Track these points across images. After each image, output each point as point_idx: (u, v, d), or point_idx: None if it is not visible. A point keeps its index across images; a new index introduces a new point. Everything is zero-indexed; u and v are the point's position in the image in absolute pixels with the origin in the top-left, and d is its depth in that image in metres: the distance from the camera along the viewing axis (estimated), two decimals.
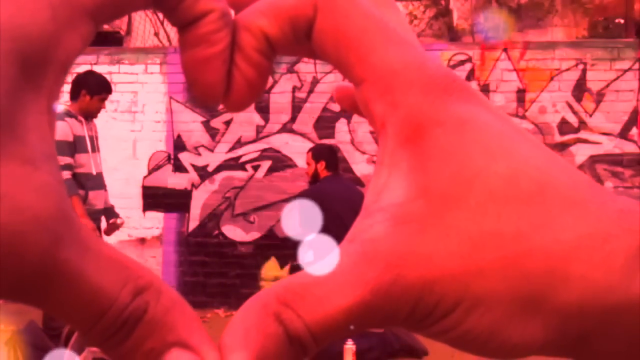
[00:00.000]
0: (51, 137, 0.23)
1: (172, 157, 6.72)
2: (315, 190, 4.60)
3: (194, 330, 0.24)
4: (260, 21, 0.27)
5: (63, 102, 4.62)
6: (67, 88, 4.67)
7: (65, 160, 4.33)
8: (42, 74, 0.23)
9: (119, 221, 4.82)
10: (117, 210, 4.95)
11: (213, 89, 0.27)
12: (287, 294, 0.24)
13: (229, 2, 0.27)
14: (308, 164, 4.81)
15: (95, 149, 4.60)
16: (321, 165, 4.69)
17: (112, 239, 5.74)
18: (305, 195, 4.55)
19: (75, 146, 4.43)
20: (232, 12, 0.27)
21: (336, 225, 4.21)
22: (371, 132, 6.36)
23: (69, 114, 4.44)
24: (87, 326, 0.23)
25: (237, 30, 0.27)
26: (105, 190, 4.74)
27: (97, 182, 4.57)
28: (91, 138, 4.56)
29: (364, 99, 0.27)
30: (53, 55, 0.23)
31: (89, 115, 4.55)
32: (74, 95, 4.52)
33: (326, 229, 4.21)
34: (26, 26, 0.22)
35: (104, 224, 4.79)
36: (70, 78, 4.65)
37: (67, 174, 4.32)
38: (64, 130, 4.36)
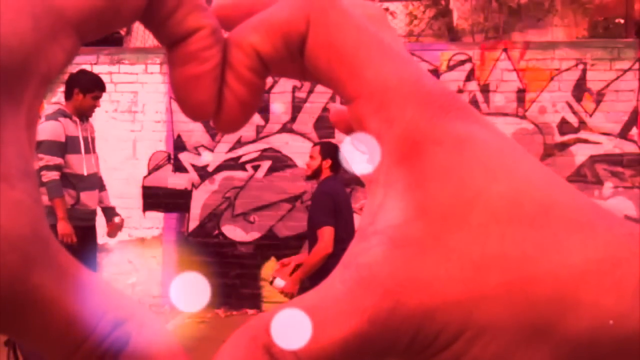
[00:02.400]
0: (30, 153, 0.22)
1: (172, 157, 6.72)
2: (332, 188, 4.55)
3: None
4: (251, 38, 0.26)
5: (58, 102, 4.62)
6: (62, 89, 4.67)
7: (55, 160, 4.33)
8: (21, 87, 0.21)
9: (117, 220, 4.79)
10: (117, 210, 4.94)
11: (203, 108, 0.26)
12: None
13: (220, 21, 0.27)
14: (312, 157, 4.71)
15: (89, 149, 4.58)
16: (327, 163, 4.63)
17: (112, 239, 5.74)
18: (326, 192, 4.49)
19: (66, 146, 4.42)
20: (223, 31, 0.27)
21: (346, 228, 4.23)
22: None
23: (63, 113, 4.44)
24: (62, 357, 0.21)
25: (228, 48, 0.26)
26: (103, 190, 4.73)
27: (89, 182, 4.55)
28: (85, 139, 4.54)
29: (358, 115, 0.26)
30: (34, 67, 0.22)
31: (83, 114, 4.54)
32: (68, 94, 4.52)
33: (337, 229, 4.22)
34: (5, 36, 0.21)
35: (100, 224, 4.78)
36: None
37: (55, 175, 4.31)
38: (56, 130, 4.36)
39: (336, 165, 4.64)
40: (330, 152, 4.70)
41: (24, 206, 0.20)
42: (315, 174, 4.69)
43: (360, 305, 0.23)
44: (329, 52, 0.25)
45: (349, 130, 0.29)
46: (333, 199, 4.35)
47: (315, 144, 4.93)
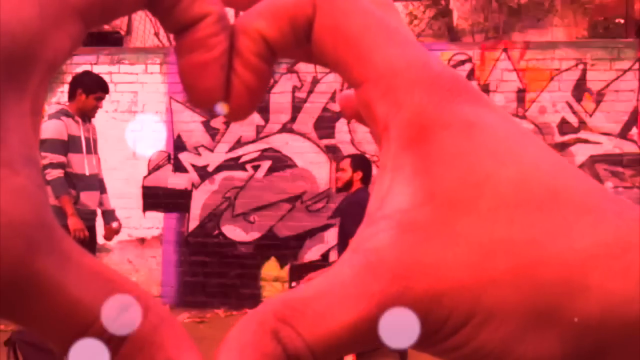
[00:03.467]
0: (34, 140, 0.22)
1: (172, 157, 6.72)
2: (365, 200, 4.53)
3: (184, 348, 0.22)
4: (258, 23, 0.26)
5: (62, 103, 4.64)
6: (62, 89, 4.68)
7: (58, 158, 4.35)
8: (26, 74, 0.21)
9: (114, 225, 4.80)
10: (117, 210, 4.95)
11: (211, 95, 0.26)
12: (285, 310, 0.22)
13: (227, 3, 0.27)
14: (343, 169, 4.73)
15: (91, 150, 4.60)
16: (357, 175, 4.67)
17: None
18: (359, 203, 4.47)
19: (69, 145, 4.44)
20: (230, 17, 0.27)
21: None
22: (371, 133, 6.35)
23: (66, 113, 4.47)
24: (67, 344, 0.21)
25: (235, 35, 0.26)
26: (103, 192, 4.74)
27: (89, 183, 4.57)
28: (87, 139, 4.56)
29: (365, 100, 0.26)
30: (39, 54, 0.22)
31: (86, 114, 4.57)
32: (71, 95, 4.55)
33: None
34: (9, 22, 0.21)
35: (100, 224, 4.78)
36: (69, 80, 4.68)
37: (59, 172, 4.34)
38: (59, 128, 4.39)
39: (367, 178, 4.65)
40: (361, 164, 4.73)
41: (27, 192, 0.20)
42: (346, 186, 4.70)
43: (369, 290, 0.22)
44: (335, 37, 0.25)
45: (356, 116, 0.29)
46: (365, 210, 4.35)
47: (345, 157, 4.97)
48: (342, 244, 4.50)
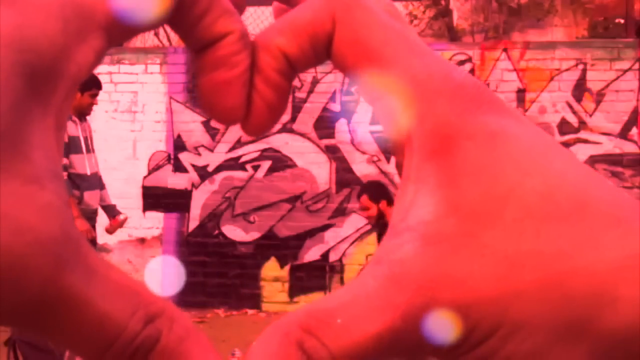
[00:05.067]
0: (58, 155, 0.22)
1: (172, 157, 6.72)
2: None
3: None
4: (278, 40, 0.26)
5: None
6: None
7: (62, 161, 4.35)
8: (50, 89, 0.21)
9: (121, 217, 4.81)
10: (117, 209, 4.96)
11: (233, 113, 0.26)
12: (310, 321, 0.22)
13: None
14: (367, 207, 4.45)
15: (89, 149, 4.61)
16: (383, 205, 4.40)
17: (112, 239, 5.75)
18: None
19: (69, 147, 4.44)
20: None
21: None
22: (371, 132, 6.36)
23: None
24: (95, 356, 0.21)
25: (256, 51, 0.26)
26: (103, 189, 4.75)
27: (91, 182, 4.58)
28: (85, 139, 4.58)
29: (388, 112, 0.26)
30: (64, 69, 0.22)
31: (82, 112, 4.57)
32: None
33: None
34: (35, 38, 0.21)
35: (100, 223, 4.79)
36: None
37: (63, 175, 4.33)
38: None
39: (390, 200, 4.42)
40: (379, 192, 4.51)
41: (54, 207, 0.20)
42: (379, 220, 4.45)
43: (393, 301, 0.22)
44: (355, 50, 0.25)
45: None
46: None
47: (361, 193, 4.65)
48: None
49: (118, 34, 0.23)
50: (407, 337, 0.23)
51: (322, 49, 0.26)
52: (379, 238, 4.51)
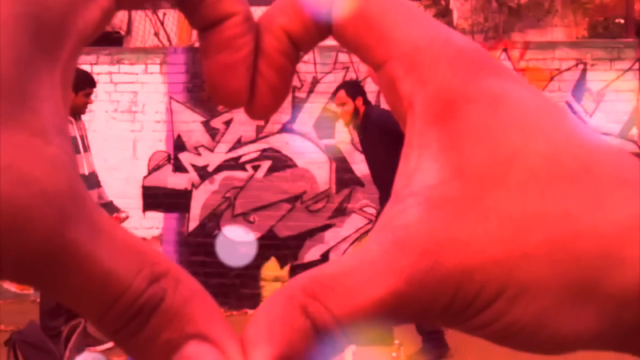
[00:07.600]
0: (64, 111, 0.22)
1: (172, 157, 6.72)
2: (380, 112, 4.42)
3: (214, 322, 0.22)
4: (280, 19, 0.26)
5: None
6: None
7: None
8: (57, 44, 0.21)
9: (122, 215, 4.81)
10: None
11: (237, 96, 0.26)
12: (314, 286, 0.22)
13: None
14: (344, 103, 4.55)
15: (86, 148, 4.60)
16: (359, 101, 4.51)
17: None
18: (374, 126, 4.37)
19: None
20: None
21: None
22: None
23: None
24: (98, 314, 0.21)
25: (259, 33, 0.26)
26: (99, 187, 4.75)
27: (90, 181, 4.57)
28: (82, 138, 4.57)
29: (388, 79, 0.25)
30: (71, 25, 0.21)
31: (77, 112, 4.56)
32: None
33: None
34: None
35: None
36: None
37: None
38: None
39: (366, 98, 4.53)
40: (355, 89, 4.59)
41: (60, 161, 0.20)
42: (354, 116, 4.55)
43: (398, 266, 0.22)
44: (356, 21, 0.25)
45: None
46: (390, 117, 4.29)
47: (337, 89, 4.75)
48: (374, 170, 4.46)
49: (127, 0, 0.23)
50: (411, 301, 0.22)
51: (324, 25, 0.26)
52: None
